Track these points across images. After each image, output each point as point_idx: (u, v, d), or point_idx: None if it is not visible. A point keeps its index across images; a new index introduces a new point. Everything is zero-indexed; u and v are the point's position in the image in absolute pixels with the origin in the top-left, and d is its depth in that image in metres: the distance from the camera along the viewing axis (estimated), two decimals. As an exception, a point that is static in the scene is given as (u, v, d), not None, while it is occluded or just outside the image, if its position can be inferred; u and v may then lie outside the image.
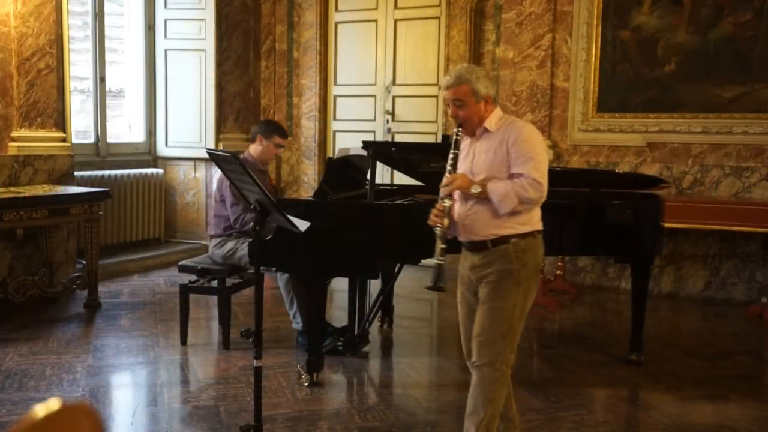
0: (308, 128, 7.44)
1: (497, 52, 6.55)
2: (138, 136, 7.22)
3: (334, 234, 3.64)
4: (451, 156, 2.79)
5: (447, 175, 2.76)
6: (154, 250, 6.87)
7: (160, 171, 7.14)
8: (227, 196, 4.43)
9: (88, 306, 5.20)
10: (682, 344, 4.71)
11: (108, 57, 6.66)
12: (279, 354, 4.28)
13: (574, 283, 6.17)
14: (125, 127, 7.26)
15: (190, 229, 7.29)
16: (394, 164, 4.76)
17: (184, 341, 4.42)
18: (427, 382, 4.07)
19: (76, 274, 5.42)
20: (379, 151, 4.27)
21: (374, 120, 7.21)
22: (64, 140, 5.65)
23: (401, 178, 5.12)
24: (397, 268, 4.65)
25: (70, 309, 5.21)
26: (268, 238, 3.63)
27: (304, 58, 7.42)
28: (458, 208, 2.79)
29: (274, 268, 4.10)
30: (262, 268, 3.03)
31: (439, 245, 2.70)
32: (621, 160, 6.13)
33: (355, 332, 4.38)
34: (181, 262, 4.64)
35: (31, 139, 5.39)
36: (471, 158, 2.79)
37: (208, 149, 3.43)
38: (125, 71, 7.18)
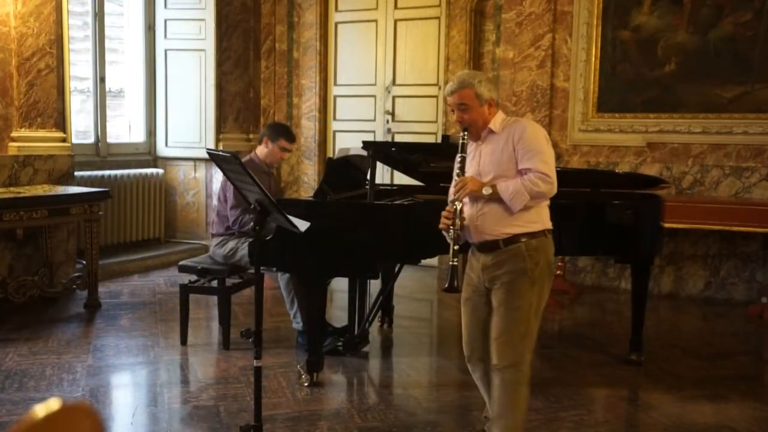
0: (308, 128, 7.44)
1: (497, 52, 6.55)
2: (138, 136, 7.22)
3: (334, 234, 3.64)
4: (458, 160, 2.81)
5: (456, 179, 2.78)
6: (154, 250, 6.87)
7: (160, 171, 7.14)
8: (229, 197, 4.43)
9: (88, 306, 5.20)
10: (682, 344, 4.72)
11: (108, 57, 6.66)
12: (279, 354, 4.28)
13: (574, 283, 6.18)
14: (125, 127, 7.26)
15: (190, 229, 7.29)
16: (394, 164, 4.76)
17: (184, 341, 4.42)
18: (427, 382, 4.07)
19: (76, 274, 5.42)
20: (379, 151, 4.27)
21: (374, 120, 7.21)
22: (64, 140, 5.65)
23: (401, 178, 5.13)
24: (397, 268, 4.65)
25: (70, 309, 5.21)
26: (268, 238, 3.63)
27: (304, 58, 7.42)
28: (468, 210, 2.80)
29: (274, 268, 4.10)
30: (262, 267, 3.03)
31: (452, 247, 2.72)
32: (621, 160, 6.13)
33: (355, 332, 4.38)
34: (181, 262, 4.64)
35: (31, 139, 5.39)
36: (478, 160, 2.82)
37: (208, 149, 3.43)
38: (125, 71, 7.18)
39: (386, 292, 4.71)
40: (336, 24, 7.35)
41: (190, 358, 4.25)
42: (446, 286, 2.76)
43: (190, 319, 4.48)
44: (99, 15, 6.49)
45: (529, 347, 2.77)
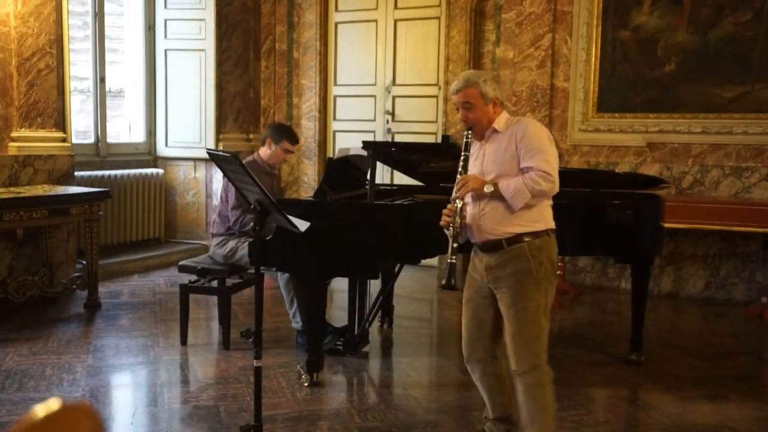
0: (308, 128, 7.44)
1: (497, 52, 6.55)
2: (138, 136, 7.22)
3: (334, 234, 3.64)
4: (461, 158, 2.82)
5: (458, 177, 2.79)
6: (154, 250, 6.87)
7: (160, 171, 7.14)
8: (231, 198, 4.44)
9: (88, 306, 5.20)
10: (682, 344, 4.72)
11: (108, 57, 6.66)
12: (279, 354, 4.28)
13: (574, 283, 6.18)
14: (125, 127, 7.26)
15: (190, 229, 7.29)
16: (394, 164, 4.76)
17: (184, 341, 4.42)
18: (427, 382, 4.07)
19: (76, 274, 5.42)
20: (379, 151, 4.27)
21: (374, 120, 7.21)
22: (64, 140, 5.65)
23: (401, 178, 5.12)
24: (397, 268, 4.65)
25: (70, 309, 5.21)
26: (268, 238, 3.63)
27: (304, 58, 7.42)
28: (470, 210, 2.81)
29: (274, 268, 4.10)
30: (262, 267, 3.03)
31: (452, 245, 2.73)
32: (621, 160, 6.13)
33: (355, 332, 4.38)
34: (181, 262, 4.64)
35: (31, 139, 5.39)
36: (481, 159, 2.83)
37: (208, 149, 3.43)
38: (125, 71, 7.18)
39: (386, 292, 4.71)
40: (336, 24, 7.35)
41: (190, 358, 4.25)
42: (444, 283, 2.77)
43: (190, 319, 4.48)
44: (99, 15, 6.49)
45: (544, 347, 2.77)
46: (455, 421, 3.42)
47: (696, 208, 5.44)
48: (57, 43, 5.50)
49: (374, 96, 7.20)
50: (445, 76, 6.73)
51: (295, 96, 7.51)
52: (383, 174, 6.28)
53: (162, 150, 7.24)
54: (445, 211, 2.78)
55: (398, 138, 6.97)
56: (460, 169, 2.80)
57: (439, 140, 6.42)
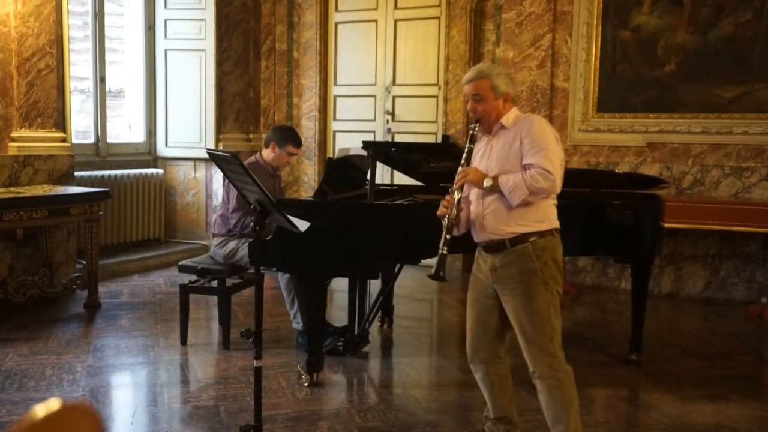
0: (308, 128, 7.44)
1: (497, 52, 6.55)
2: (138, 136, 7.22)
3: (334, 234, 3.64)
4: (465, 150, 2.80)
5: (460, 168, 2.77)
6: (154, 250, 6.87)
7: (160, 171, 7.14)
8: (232, 200, 4.43)
9: (88, 306, 5.20)
10: (682, 344, 4.72)
11: (108, 57, 6.66)
12: (279, 354, 4.28)
13: (574, 283, 6.18)
14: (125, 127, 7.26)
15: (190, 229, 7.29)
16: (394, 164, 4.76)
17: (184, 341, 4.42)
18: (427, 382, 4.07)
19: (76, 274, 5.42)
20: (379, 151, 4.27)
21: (374, 120, 7.21)
22: (64, 140, 5.65)
23: (401, 178, 5.12)
24: (397, 268, 4.65)
25: (70, 309, 5.21)
26: (268, 238, 3.63)
27: (304, 58, 7.42)
28: (474, 208, 2.79)
29: (274, 269, 4.10)
30: (262, 267, 3.03)
31: (445, 235, 2.70)
32: (621, 160, 6.13)
33: (355, 332, 4.38)
34: (181, 262, 4.64)
35: (31, 139, 5.39)
36: (488, 156, 2.80)
37: (208, 149, 3.43)
38: (125, 71, 7.18)
39: (386, 292, 4.71)
40: (336, 24, 7.35)
41: (190, 358, 4.25)
42: (432, 273, 2.71)
43: (190, 319, 4.48)
44: (99, 15, 6.49)
45: (559, 345, 2.75)
46: (455, 421, 3.42)
47: (696, 208, 5.44)
48: (57, 43, 5.50)
49: (374, 96, 7.20)
50: (445, 76, 6.74)
51: (295, 96, 7.51)
52: (383, 174, 6.28)
53: (162, 150, 7.24)
54: (443, 201, 2.76)
55: (398, 138, 6.97)
56: (462, 161, 2.78)
57: (439, 140, 6.42)
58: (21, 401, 3.48)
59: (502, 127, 2.78)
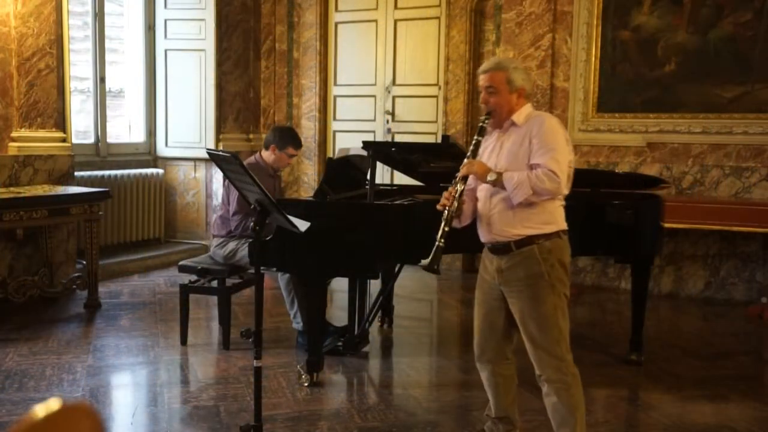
0: (308, 128, 7.44)
1: (497, 52, 6.55)
2: (138, 136, 7.22)
3: (334, 234, 3.64)
4: (473, 142, 2.75)
5: (466, 160, 2.71)
6: (154, 250, 6.87)
7: (160, 171, 7.14)
8: (232, 202, 4.43)
9: (88, 306, 5.20)
10: (682, 344, 4.72)
11: (108, 57, 6.66)
12: (279, 354, 4.28)
13: (574, 283, 6.16)
14: (125, 127, 7.26)
15: (190, 229, 7.29)
16: (394, 164, 4.76)
17: (184, 341, 4.42)
18: (427, 382, 4.07)
19: (76, 274, 5.42)
20: (379, 151, 4.26)
21: (374, 120, 7.21)
22: (64, 140, 5.65)
23: (401, 178, 5.12)
24: (397, 268, 4.65)
25: (70, 309, 5.21)
26: (268, 238, 3.63)
27: (304, 58, 7.42)
28: (481, 206, 2.76)
29: (274, 269, 4.10)
30: (262, 267, 3.03)
31: (443, 227, 2.65)
32: (621, 160, 6.13)
33: (355, 332, 4.38)
34: (181, 262, 4.64)
35: (31, 139, 5.39)
36: (497, 153, 2.75)
37: (208, 149, 3.43)
38: (125, 71, 7.18)
39: (386, 292, 4.71)
40: (336, 24, 7.35)
41: (190, 358, 4.25)
42: (427, 264, 2.66)
43: (190, 319, 4.48)
44: (99, 15, 6.49)
45: (567, 348, 2.70)
46: (455, 421, 3.42)
47: (696, 208, 5.44)
48: (57, 43, 5.49)
49: (374, 96, 7.20)
50: (445, 76, 6.74)
51: (295, 96, 7.51)
52: (383, 174, 6.28)
53: (162, 150, 7.24)
54: (445, 193, 2.70)
55: (398, 138, 6.97)
56: (468, 153, 2.72)
57: (439, 140, 6.42)
58: (21, 401, 3.48)
59: (513, 124, 2.72)
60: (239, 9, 7.26)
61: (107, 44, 6.63)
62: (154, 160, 7.25)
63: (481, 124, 2.75)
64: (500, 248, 2.73)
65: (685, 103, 5.87)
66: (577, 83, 6.18)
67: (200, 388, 3.79)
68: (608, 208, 4.03)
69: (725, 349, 4.65)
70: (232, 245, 4.45)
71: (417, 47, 6.98)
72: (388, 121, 7.11)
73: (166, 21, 7.07)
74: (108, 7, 6.65)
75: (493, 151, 2.78)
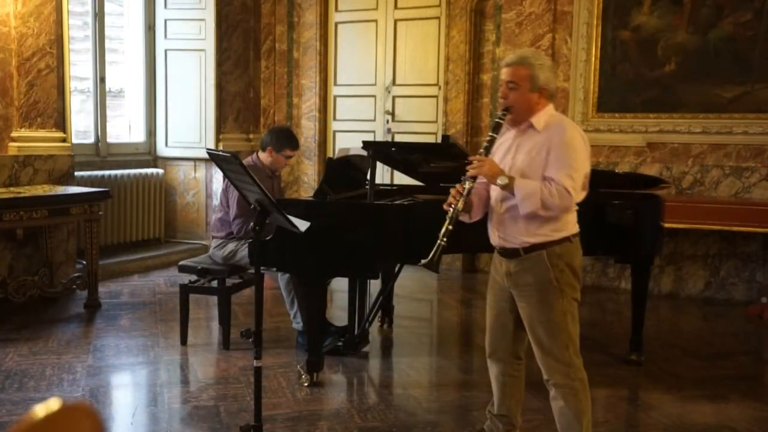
0: (308, 128, 7.44)
1: (497, 52, 6.55)
2: (138, 136, 7.22)
3: (334, 234, 3.64)
4: (487, 138, 2.66)
5: (478, 156, 2.63)
6: (154, 250, 6.87)
7: (160, 171, 7.14)
8: (232, 206, 4.43)
9: (88, 306, 5.20)
10: (682, 344, 4.72)
11: (108, 57, 6.66)
12: (279, 354, 4.28)
13: (574, 283, 6.16)
14: (125, 127, 7.26)
15: (190, 229, 7.29)
16: (394, 164, 4.76)
17: (184, 341, 4.42)
18: (427, 382, 4.07)
19: (76, 274, 5.42)
20: (379, 151, 4.26)
21: (374, 120, 7.21)
22: (64, 140, 5.65)
23: (401, 178, 5.12)
24: (397, 268, 4.65)
25: (70, 309, 5.21)
26: (268, 238, 3.63)
27: (304, 58, 7.42)
28: (493, 204, 2.71)
29: (274, 269, 4.10)
30: (262, 267, 3.03)
31: (447, 225, 2.59)
32: (621, 160, 6.13)
33: (355, 332, 4.38)
34: (181, 262, 4.64)
35: (31, 139, 5.39)
36: (512, 155, 2.67)
37: (208, 149, 3.43)
38: (125, 71, 7.18)
39: (386, 292, 4.71)
40: (336, 24, 7.35)
41: (190, 358, 4.25)
42: (426, 261, 2.60)
43: (190, 319, 4.48)
44: (99, 15, 6.49)
45: (576, 352, 2.67)
46: (455, 421, 3.41)
47: (696, 208, 5.44)
48: (57, 43, 5.49)
49: (374, 96, 7.20)
50: (445, 76, 6.73)
51: (295, 96, 7.51)
52: (383, 174, 6.28)
53: (162, 150, 7.24)
54: (452, 190, 2.63)
55: (398, 138, 6.96)
56: (482, 150, 2.63)
57: (439, 140, 6.42)
58: (21, 401, 3.48)
59: (532, 126, 2.62)
60: (239, 9, 7.26)
61: (107, 44, 6.63)
62: (154, 160, 7.25)
63: (497, 119, 2.66)
64: (509, 252, 2.70)
65: (685, 103, 5.87)
66: (577, 83, 6.18)
67: (200, 388, 3.79)
68: (608, 208, 4.03)
69: (725, 349, 4.65)
70: (231, 246, 4.45)
71: (417, 47, 6.98)
72: (388, 121, 7.11)
73: (166, 21, 7.07)
74: (108, 7, 6.65)
75: (508, 151, 2.70)
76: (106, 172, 6.51)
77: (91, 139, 6.61)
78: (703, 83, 5.80)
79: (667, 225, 4.61)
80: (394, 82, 7.09)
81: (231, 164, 2.90)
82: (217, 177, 6.97)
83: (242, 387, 3.73)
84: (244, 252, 4.36)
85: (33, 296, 5.15)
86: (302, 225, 3.01)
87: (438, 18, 6.82)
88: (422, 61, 6.96)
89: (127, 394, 3.88)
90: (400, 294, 5.40)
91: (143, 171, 6.93)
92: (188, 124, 7.15)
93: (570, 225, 2.66)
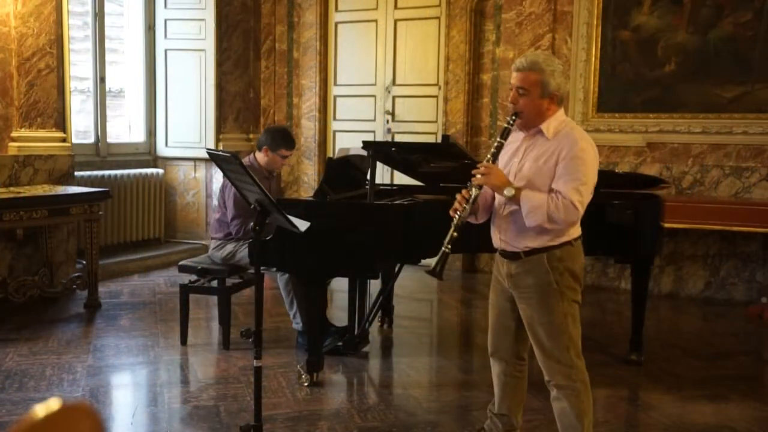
0: (308, 128, 7.44)
1: (497, 52, 6.55)
2: (138, 136, 7.23)
3: (334, 234, 3.64)
4: (495, 144, 2.63)
5: (485, 163, 2.61)
6: (154, 250, 6.87)
7: (160, 171, 7.14)
8: (229, 206, 4.42)
9: (88, 306, 5.20)
10: (682, 344, 4.72)
11: (108, 57, 6.66)
12: (279, 354, 4.28)
13: (574, 283, 6.16)
14: (125, 127, 7.26)
15: (190, 229, 7.29)
16: (394, 164, 4.76)
17: (184, 341, 4.42)
18: (427, 382, 4.07)
19: (76, 274, 5.42)
20: (379, 151, 4.26)
21: (374, 120, 7.21)
22: (64, 140, 5.65)
23: (401, 178, 5.12)
24: (397, 268, 4.65)
25: (70, 309, 5.21)
26: (268, 238, 3.63)
27: (304, 58, 7.42)
28: (496, 205, 2.70)
29: (274, 269, 4.10)
30: (262, 267, 3.03)
31: (452, 233, 2.57)
32: (621, 160, 6.13)
33: (355, 332, 4.38)
34: (181, 262, 4.64)
35: (31, 139, 5.39)
36: (518, 160, 2.65)
37: (208, 149, 3.43)
38: (125, 71, 7.18)
39: (386, 292, 4.71)
40: (336, 24, 7.35)
41: (190, 358, 4.25)
42: (431, 269, 2.58)
43: (190, 319, 4.48)
44: (99, 15, 6.49)
45: (578, 354, 2.66)
46: (455, 421, 3.41)
47: (696, 208, 5.44)
48: (57, 43, 5.49)
49: (374, 96, 7.20)
50: (445, 76, 6.73)
51: (295, 96, 7.51)
52: (383, 174, 6.28)
53: (162, 150, 7.24)
54: (458, 196, 2.61)
55: (398, 138, 6.96)
56: (489, 156, 2.61)
57: (439, 140, 6.42)
58: (21, 401, 3.48)
59: (541, 132, 2.59)
60: (239, 9, 7.26)
61: (107, 44, 6.63)
62: (154, 160, 7.25)
63: (506, 125, 2.62)
64: (509, 255, 2.70)
65: (685, 103, 5.87)
66: (577, 83, 6.18)
67: (200, 388, 3.79)
68: (608, 208, 4.03)
69: (725, 349, 4.65)
70: (229, 247, 4.45)
71: (417, 47, 6.98)
72: (388, 121, 7.11)
73: (166, 21, 7.07)
74: (108, 7, 6.65)
75: (515, 154, 2.68)
76: (106, 172, 6.51)
77: (91, 139, 6.61)
78: (703, 83, 5.80)
79: (667, 225, 4.61)
80: (394, 82, 7.09)
81: (231, 164, 2.90)
82: (217, 177, 6.97)
83: (242, 387, 3.73)
84: (242, 253, 4.36)
85: (33, 296, 5.15)
86: (302, 225, 3.01)
87: (438, 18, 6.82)
88: (422, 61, 6.96)
89: (127, 394, 3.88)
90: (400, 294, 5.40)
91: (143, 171, 6.93)
92: (188, 124, 7.16)
93: (572, 229, 2.65)
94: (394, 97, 7.10)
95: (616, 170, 5.94)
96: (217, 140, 7.14)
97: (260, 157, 4.59)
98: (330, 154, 7.21)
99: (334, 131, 7.48)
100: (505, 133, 2.62)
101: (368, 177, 4.12)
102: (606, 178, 4.78)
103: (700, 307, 5.67)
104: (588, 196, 2.55)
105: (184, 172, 7.27)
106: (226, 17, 7.13)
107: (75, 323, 4.90)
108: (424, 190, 4.67)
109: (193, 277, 4.48)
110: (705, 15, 5.77)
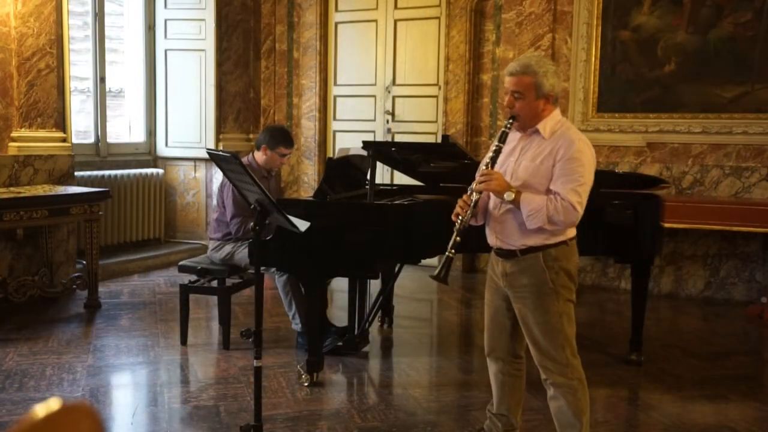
0: (308, 128, 7.44)
1: (497, 52, 6.55)
2: (138, 136, 7.23)
3: (334, 234, 3.64)
4: (493, 148, 2.64)
5: (484, 167, 2.64)
6: (154, 250, 6.87)
7: (160, 171, 7.14)
8: (228, 206, 4.42)
9: (88, 306, 5.20)
10: (682, 344, 4.72)
11: (108, 57, 6.66)
12: (279, 354, 4.28)
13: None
14: (125, 127, 7.26)
15: (190, 229, 7.29)
16: (394, 164, 4.76)
17: (184, 341, 4.42)
18: (427, 382, 4.07)
19: (76, 274, 5.42)
20: (379, 151, 4.26)
21: (374, 120, 7.21)
22: (64, 140, 5.65)
23: (401, 178, 5.13)
24: (397, 268, 4.65)
25: (70, 309, 5.21)
26: (268, 238, 3.63)
27: (304, 58, 7.42)
28: (491, 206, 2.72)
29: (273, 269, 4.10)
30: (262, 268, 3.03)
31: (455, 237, 2.60)
32: (621, 160, 6.13)
33: (355, 332, 4.38)
34: (181, 262, 4.64)
35: (31, 139, 5.39)
36: (515, 159, 2.67)
37: (208, 149, 3.43)
38: (125, 71, 7.18)
39: (386, 292, 4.71)
40: (336, 24, 7.35)
41: (190, 358, 4.25)
42: (435, 274, 2.61)
43: (190, 319, 4.48)
44: (99, 15, 6.49)
45: (573, 352, 2.67)
46: (455, 421, 3.42)
47: (696, 208, 5.44)
48: (57, 43, 5.50)
49: (374, 96, 7.20)
50: (445, 76, 6.74)
51: (295, 96, 7.51)
52: (383, 174, 6.28)
53: (162, 150, 7.24)
54: (459, 201, 2.64)
55: (398, 138, 6.97)
56: (487, 160, 2.63)
57: (439, 140, 6.42)
58: (21, 401, 3.48)
59: (537, 132, 2.62)
60: (239, 9, 7.26)
61: (107, 44, 6.63)
62: (154, 160, 7.25)
63: (504, 129, 2.64)
64: (505, 253, 2.71)
65: (684, 103, 5.88)
66: (577, 83, 6.18)
67: (200, 388, 3.79)
68: (608, 209, 4.03)
69: (725, 349, 4.65)
70: (228, 248, 4.45)
71: (417, 47, 6.98)
72: (388, 121, 7.11)
73: (166, 21, 7.07)
74: (108, 7, 6.65)
75: (511, 154, 2.70)
76: (106, 172, 6.51)
77: (91, 139, 6.61)
78: (703, 83, 5.80)
79: (667, 225, 4.62)
80: (394, 82, 7.09)
81: (231, 164, 2.90)
82: (217, 177, 6.97)
83: (242, 387, 3.74)
84: (241, 254, 4.36)
85: (33, 296, 5.15)
86: (302, 225, 3.01)
87: (438, 18, 6.83)
88: (422, 61, 6.96)
89: (127, 394, 3.88)
90: (400, 294, 5.40)
91: (143, 171, 6.93)
92: (188, 124, 7.16)
93: (569, 229, 2.67)
94: (394, 97, 7.10)
95: (616, 170, 5.94)
96: (217, 140, 7.14)
97: (259, 156, 4.58)
98: (330, 154, 7.21)
99: (334, 131, 7.48)
100: (503, 137, 2.64)
101: (368, 177, 4.12)
102: (606, 178, 4.80)
103: (700, 307, 5.68)
104: (586, 196, 2.57)
105: (184, 172, 7.27)
106: (226, 17, 7.13)
107: (75, 323, 4.90)
108: (424, 190, 4.67)
109: (193, 277, 4.48)
110: (705, 15, 5.77)
